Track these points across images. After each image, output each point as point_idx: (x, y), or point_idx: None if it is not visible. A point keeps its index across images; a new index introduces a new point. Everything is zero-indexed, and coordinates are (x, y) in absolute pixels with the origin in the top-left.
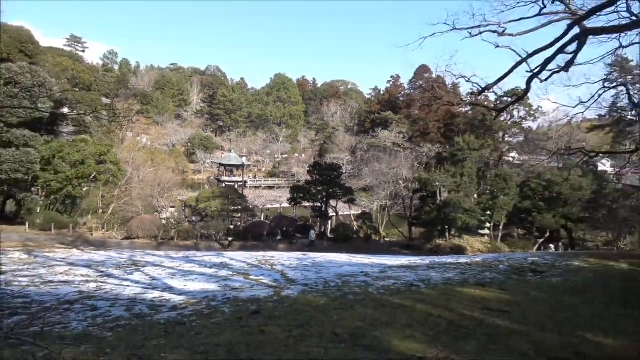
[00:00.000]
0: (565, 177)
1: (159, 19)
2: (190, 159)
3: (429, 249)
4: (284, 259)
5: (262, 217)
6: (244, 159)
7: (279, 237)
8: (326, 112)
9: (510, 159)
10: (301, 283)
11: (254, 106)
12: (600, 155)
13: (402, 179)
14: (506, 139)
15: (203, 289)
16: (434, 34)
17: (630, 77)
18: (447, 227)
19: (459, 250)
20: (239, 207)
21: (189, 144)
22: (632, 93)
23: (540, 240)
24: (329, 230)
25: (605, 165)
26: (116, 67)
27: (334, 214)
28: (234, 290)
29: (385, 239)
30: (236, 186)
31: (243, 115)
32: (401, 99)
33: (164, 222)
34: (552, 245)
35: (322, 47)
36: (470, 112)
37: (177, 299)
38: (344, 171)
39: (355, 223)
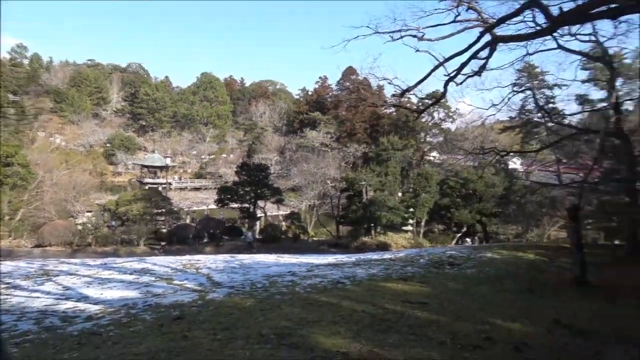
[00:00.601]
0: (479, 175)
1: (73, 11)
2: (109, 160)
3: (356, 246)
4: (211, 261)
5: (188, 220)
6: (168, 160)
7: (205, 240)
8: (254, 112)
9: (432, 158)
10: (227, 285)
11: (179, 105)
12: (511, 154)
13: (330, 178)
14: (427, 139)
15: (122, 296)
16: (358, 36)
17: (536, 82)
18: (372, 224)
19: (384, 247)
20: (163, 210)
21: (108, 145)
22: (537, 97)
23: (458, 235)
24: (257, 231)
25: (515, 164)
26: (26, 62)
27: (263, 214)
28: (155, 296)
29: (314, 238)
30: (160, 188)
31: (167, 114)
32: (329, 99)
33: (79, 227)
34: (468, 239)
35: (250, 47)
36: (394, 114)
37: (93, 308)
38: (273, 171)
39: (284, 223)
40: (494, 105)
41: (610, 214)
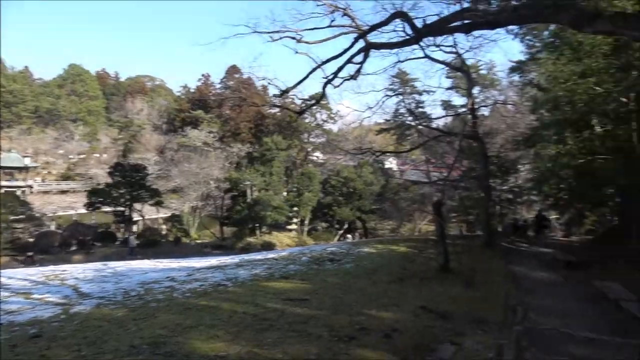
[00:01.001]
0: (359, 174)
1: None
2: None
3: (241, 247)
4: (79, 271)
5: (53, 227)
6: (28, 160)
7: (74, 248)
8: (131, 109)
9: (315, 158)
10: (97, 296)
11: (42, 99)
12: (387, 154)
13: (214, 179)
14: (311, 139)
15: None
16: (236, 34)
17: (407, 88)
18: (257, 224)
19: (270, 247)
20: (22, 217)
21: None
22: (408, 101)
23: (340, 232)
24: (135, 235)
25: (392, 163)
26: None
27: (140, 218)
28: (9, 314)
29: (197, 241)
30: (19, 192)
31: (28, 109)
32: (212, 98)
33: None
34: (349, 235)
35: (125, 40)
36: (279, 114)
37: None
38: (151, 172)
39: (164, 226)
40: (369, 108)
41: (469, 208)
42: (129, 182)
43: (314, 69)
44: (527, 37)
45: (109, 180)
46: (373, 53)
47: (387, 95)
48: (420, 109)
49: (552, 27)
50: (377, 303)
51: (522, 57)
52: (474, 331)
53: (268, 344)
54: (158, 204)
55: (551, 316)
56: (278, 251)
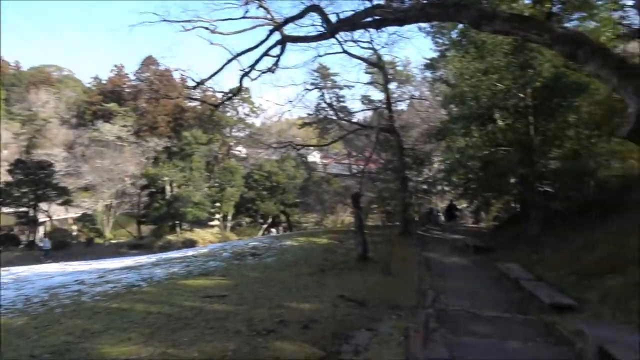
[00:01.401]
0: (281, 168)
1: None
2: None
3: (160, 246)
4: None
5: None
6: None
7: None
8: (35, 101)
9: (238, 152)
10: None
11: None
12: (307, 147)
13: (129, 175)
14: (233, 133)
15: None
16: (144, 22)
17: (328, 82)
18: (178, 222)
19: (191, 244)
20: None
21: None
22: (329, 95)
23: (264, 226)
24: (41, 237)
25: (315, 157)
26: None
27: (47, 218)
28: None
29: (112, 241)
30: None
31: None
32: (127, 90)
33: None
34: (273, 230)
35: (28, 27)
36: (199, 107)
37: None
38: (59, 169)
39: (74, 227)
40: (290, 102)
41: (387, 199)
42: (33, 180)
43: (229, 61)
44: (437, 36)
45: (10, 178)
46: (293, 47)
47: (306, 89)
48: (341, 104)
49: (460, 26)
50: (297, 295)
51: (434, 55)
52: (389, 316)
53: (184, 343)
54: (67, 203)
55: (460, 298)
56: (199, 248)
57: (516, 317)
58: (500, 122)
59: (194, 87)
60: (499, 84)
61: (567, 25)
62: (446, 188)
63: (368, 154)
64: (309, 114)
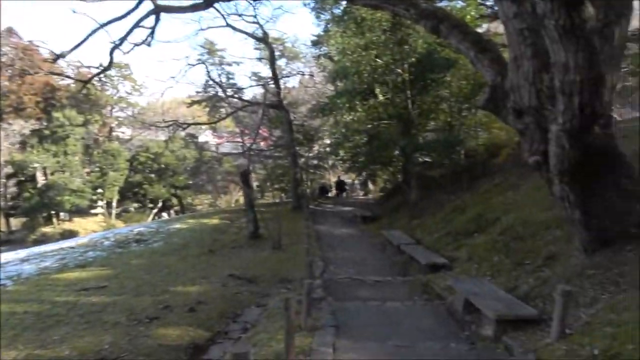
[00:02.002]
0: (170, 149)
1: None
2: None
3: (34, 239)
4: None
5: None
6: None
7: None
8: None
9: (121, 133)
10: None
11: None
12: (196, 126)
13: None
14: (115, 113)
15: None
16: None
17: (216, 58)
18: (54, 212)
19: (71, 235)
20: None
21: None
22: (217, 72)
23: (155, 211)
24: None
25: (207, 137)
26: None
27: None
28: None
29: None
30: None
31: None
32: None
33: None
34: (164, 214)
35: None
36: (73, 85)
37: None
38: None
39: None
40: (172, 77)
41: (280, 176)
42: None
43: (93, 31)
44: (320, 11)
45: None
46: (175, 20)
47: (189, 65)
48: (230, 80)
49: (343, 3)
50: (184, 278)
51: (320, 31)
52: (279, 291)
53: (54, 342)
54: None
55: (348, 266)
56: (78, 239)
57: (397, 280)
58: (381, 97)
59: (54, 60)
60: (378, 60)
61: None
62: (336, 162)
63: (256, 131)
64: (197, 92)
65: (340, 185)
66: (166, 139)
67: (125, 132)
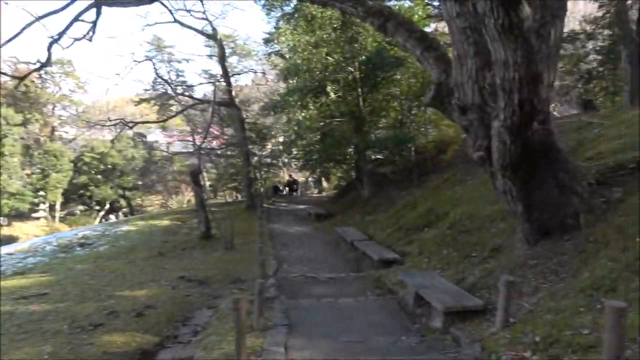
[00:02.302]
0: (117, 149)
1: None
2: None
3: None
4: None
5: None
6: None
7: None
8: None
9: (64, 133)
10: None
11: None
12: (147, 125)
13: None
14: (57, 112)
15: None
16: None
17: (165, 55)
18: None
19: (10, 240)
20: None
21: None
22: (166, 69)
23: (101, 213)
24: None
25: (158, 136)
26: None
27: None
28: None
29: None
30: None
31: None
32: None
33: None
34: (112, 216)
35: None
36: (11, 83)
37: None
38: None
39: None
40: (117, 74)
41: (233, 175)
42: None
43: (28, 24)
44: (271, 9)
45: None
46: (120, 15)
47: (135, 61)
48: (180, 78)
49: (294, 0)
50: (132, 282)
51: (271, 29)
52: (232, 291)
53: None
54: None
55: (302, 264)
56: (17, 244)
57: (350, 276)
58: (332, 95)
59: None
60: (329, 58)
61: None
62: (290, 161)
63: (207, 129)
64: (145, 90)
65: (292, 184)
66: (113, 139)
67: (68, 131)
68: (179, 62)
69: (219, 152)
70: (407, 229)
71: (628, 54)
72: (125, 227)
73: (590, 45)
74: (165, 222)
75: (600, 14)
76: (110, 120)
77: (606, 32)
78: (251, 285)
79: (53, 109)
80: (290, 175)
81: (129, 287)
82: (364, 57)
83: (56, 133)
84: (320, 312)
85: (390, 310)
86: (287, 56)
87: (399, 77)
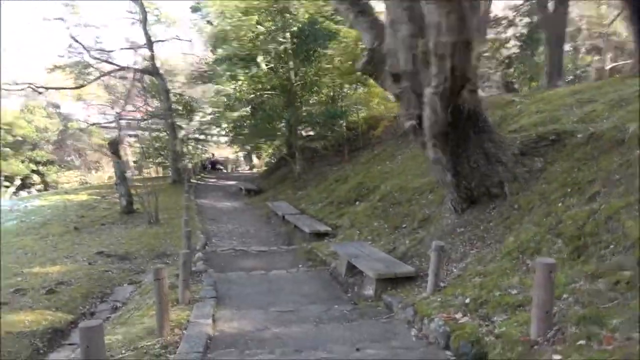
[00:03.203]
0: (27, 120)
1: None
2: None
3: None
4: None
5: None
6: None
7: None
8: None
9: None
10: None
11: None
12: (58, 90)
13: None
14: None
15: None
16: None
17: (80, 18)
18: None
19: None
20: None
21: None
22: (82, 35)
23: (11, 189)
24: None
25: (74, 106)
26: None
27: None
28: None
29: None
30: None
31: None
32: None
33: None
34: (24, 192)
35: None
36: None
37: None
38: None
39: None
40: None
41: (160, 149)
42: None
43: None
44: None
45: None
46: None
47: (45, 19)
48: (99, 45)
49: None
50: (43, 259)
51: None
52: (156, 266)
53: None
54: None
55: (232, 238)
56: None
57: (281, 249)
58: (263, 66)
59: None
60: (260, 26)
61: None
62: (218, 135)
63: (126, 98)
64: (60, 56)
65: (214, 163)
66: (23, 109)
67: None
68: (97, 27)
69: (141, 124)
70: (338, 203)
71: (547, 37)
72: (37, 202)
73: (510, 31)
74: (83, 197)
75: (520, 1)
76: (17, 84)
77: (526, 19)
78: (177, 259)
79: None
80: (212, 155)
81: (39, 263)
82: (295, 28)
83: None
84: (250, 285)
85: (322, 281)
86: (214, 23)
87: (331, 52)
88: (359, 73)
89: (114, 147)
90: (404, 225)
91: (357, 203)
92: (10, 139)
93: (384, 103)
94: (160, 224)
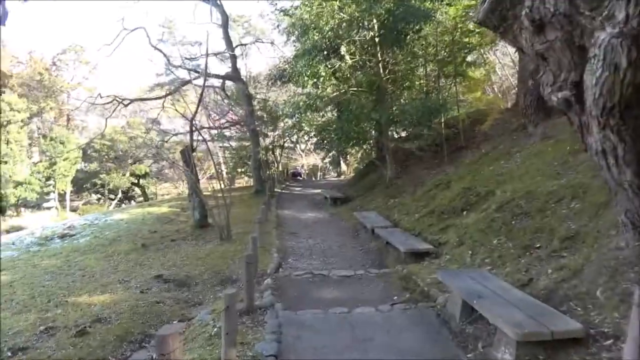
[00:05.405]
0: (128, 135)
1: None
2: None
3: None
4: None
5: None
6: None
7: None
8: None
9: (80, 122)
10: None
11: None
12: (141, 101)
13: None
14: (72, 100)
15: None
16: None
17: (177, 38)
18: None
19: (13, 231)
20: None
21: None
22: (180, 53)
23: (114, 201)
24: None
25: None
26: None
27: None
28: None
29: None
30: None
31: None
32: None
33: None
34: (126, 205)
35: None
36: (26, 71)
37: None
38: None
39: None
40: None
41: (245, 158)
42: None
43: None
44: None
45: None
46: None
47: (155, 48)
48: (194, 61)
49: None
50: (96, 284)
51: None
52: (215, 296)
53: None
54: None
55: (311, 257)
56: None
57: (370, 273)
58: (348, 58)
59: None
60: (342, 13)
61: None
62: (300, 139)
63: (198, 104)
64: (157, 75)
65: (295, 175)
66: (127, 125)
67: (84, 120)
68: (192, 45)
69: (222, 131)
70: (440, 213)
71: None
72: (117, 216)
73: None
74: (164, 210)
75: None
76: (102, 97)
77: None
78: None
79: (68, 97)
80: (295, 167)
81: (90, 290)
82: (382, 11)
83: (72, 121)
84: (327, 331)
85: (427, 327)
86: (290, 13)
87: (424, 33)
88: (458, 60)
89: (186, 156)
90: (537, 245)
91: (464, 213)
92: (113, 154)
93: (485, 98)
94: (232, 241)
